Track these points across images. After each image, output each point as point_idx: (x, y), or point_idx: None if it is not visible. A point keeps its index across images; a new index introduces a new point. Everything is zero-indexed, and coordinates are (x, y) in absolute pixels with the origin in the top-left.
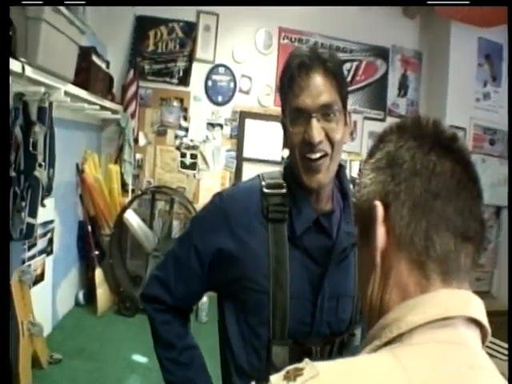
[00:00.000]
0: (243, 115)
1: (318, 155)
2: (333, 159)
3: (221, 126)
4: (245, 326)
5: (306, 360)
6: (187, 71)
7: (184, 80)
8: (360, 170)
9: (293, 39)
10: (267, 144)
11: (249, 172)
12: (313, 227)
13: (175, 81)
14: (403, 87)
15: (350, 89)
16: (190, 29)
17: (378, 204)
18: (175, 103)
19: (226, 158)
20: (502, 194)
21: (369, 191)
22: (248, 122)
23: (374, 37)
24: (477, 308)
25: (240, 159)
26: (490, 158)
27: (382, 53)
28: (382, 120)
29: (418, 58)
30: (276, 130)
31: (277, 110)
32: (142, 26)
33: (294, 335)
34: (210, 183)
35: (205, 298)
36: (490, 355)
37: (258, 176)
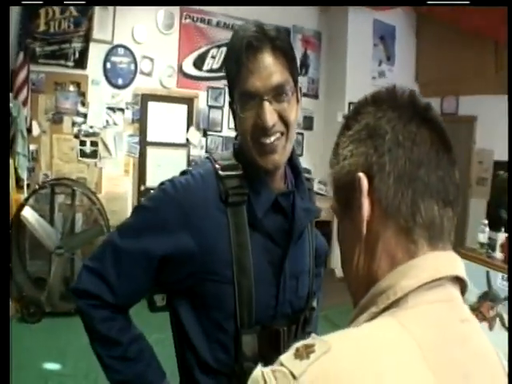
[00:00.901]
0: (145, 98)
1: (272, 139)
2: (288, 138)
3: (122, 110)
4: (206, 322)
5: (313, 335)
6: (83, 53)
7: (80, 62)
8: (337, 142)
9: (195, 19)
10: (172, 127)
11: (154, 157)
12: (271, 208)
13: (71, 63)
14: (304, 66)
15: None
16: (85, 7)
17: (362, 176)
18: (71, 88)
19: (128, 144)
20: None
21: (350, 163)
22: (151, 104)
23: (276, 17)
24: (460, 266)
25: (144, 144)
26: None
27: None
28: None
29: (318, 38)
30: (180, 111)
31: (180, 91)
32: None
33: (260, 320)
34: (112, 171)
35: None
36: None
37: (208, 159)
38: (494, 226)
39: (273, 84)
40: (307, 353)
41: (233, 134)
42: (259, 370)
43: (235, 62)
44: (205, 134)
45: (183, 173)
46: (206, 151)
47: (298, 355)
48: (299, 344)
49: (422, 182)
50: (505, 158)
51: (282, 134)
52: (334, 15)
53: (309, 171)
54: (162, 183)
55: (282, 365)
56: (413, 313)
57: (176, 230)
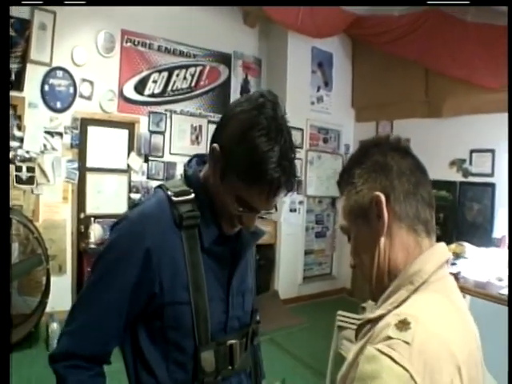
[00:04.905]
0: (85, 122)
1: (239, 228)
2: None
3: (60, 134)
4: (164, 344)
5: (396, 311)
6: (20, 74)
7: (17, 84)
8: (351, 173)
9: (136, 42)
10: (112, 152)
11: (94, 183)
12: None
13: None
14: (245, 91)
15: (194, 93)
16: (23, 26)
17: (381, 194)
18: None
19: (67, 170)
20: (336, 185)
21: (368, 187)
22: (90, 129)
23: (217, 43)
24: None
25: (83, 170)
26: (325, 154)
27: (224, 58)
28: None
29: (258, 64)
30: (121, 136)
31: (121, 116)
32: None
33: (214, 336)
34: (50, 198)
35: (55, 325)
36: (342, 326)
37: (160, 187)
38: None
39: (271, 208)
40: (405, 324)
41: (174, 159)
42: (372, 349)
43: (258, 177)
44: (146, 160)
45: (135, 205)
46: (148, 177)
47: (400, 328)
48: (393, 321)
49: (420, 195)
50: (437, 177)
51: None
52: (274, 42)
53: None
54: (117, 223)
55: (391, 338)
56: (438, 285)
57: (138, 258)
